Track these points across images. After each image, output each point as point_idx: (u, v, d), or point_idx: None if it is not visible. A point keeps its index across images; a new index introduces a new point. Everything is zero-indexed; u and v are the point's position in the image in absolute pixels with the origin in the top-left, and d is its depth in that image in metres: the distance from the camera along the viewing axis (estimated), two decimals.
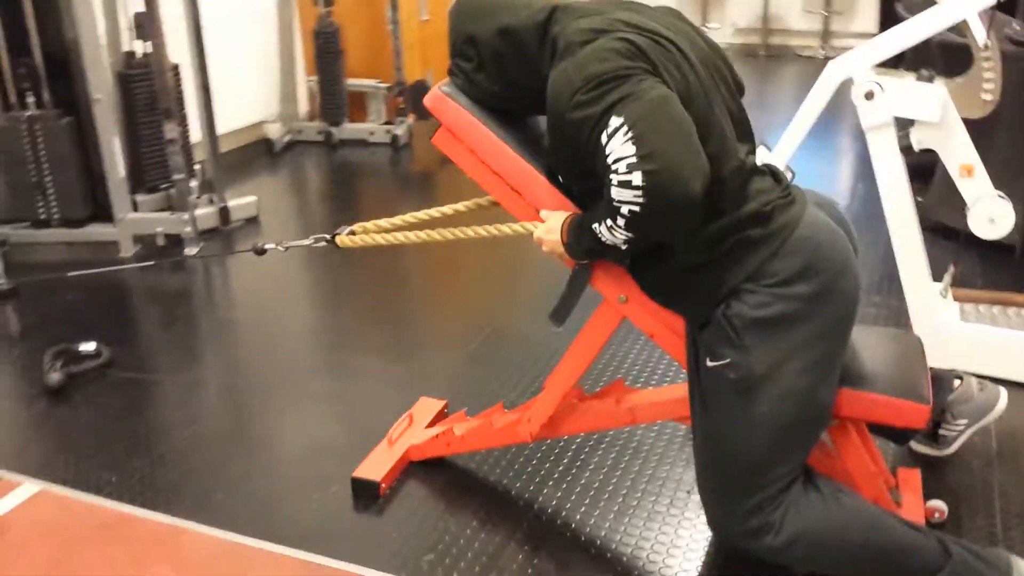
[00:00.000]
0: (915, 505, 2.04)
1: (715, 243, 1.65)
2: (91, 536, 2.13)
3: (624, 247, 1.63)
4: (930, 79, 2.51)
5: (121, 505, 2.23)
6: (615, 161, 1.51)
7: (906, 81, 2.51)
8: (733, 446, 1.68)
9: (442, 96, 1.87)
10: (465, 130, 1.86)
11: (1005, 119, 3.35)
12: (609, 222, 1.58)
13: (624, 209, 1.53)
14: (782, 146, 2.70)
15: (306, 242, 2.18)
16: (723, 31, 8.75)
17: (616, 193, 1.52)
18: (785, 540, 1.66)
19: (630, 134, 1.49)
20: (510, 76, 1.79)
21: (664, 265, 1.73)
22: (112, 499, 2.26)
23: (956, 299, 2.84)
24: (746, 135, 1.76)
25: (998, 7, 4.23)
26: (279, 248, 2.23)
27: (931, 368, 2.13)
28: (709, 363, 1.69)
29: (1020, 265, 3.43)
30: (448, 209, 2.14)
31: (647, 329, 1.89)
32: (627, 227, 1.56)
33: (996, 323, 2.71)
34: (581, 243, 1.71)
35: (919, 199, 3.93)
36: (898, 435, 2.10)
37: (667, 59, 1.60)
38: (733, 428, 1.67)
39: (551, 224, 1.77)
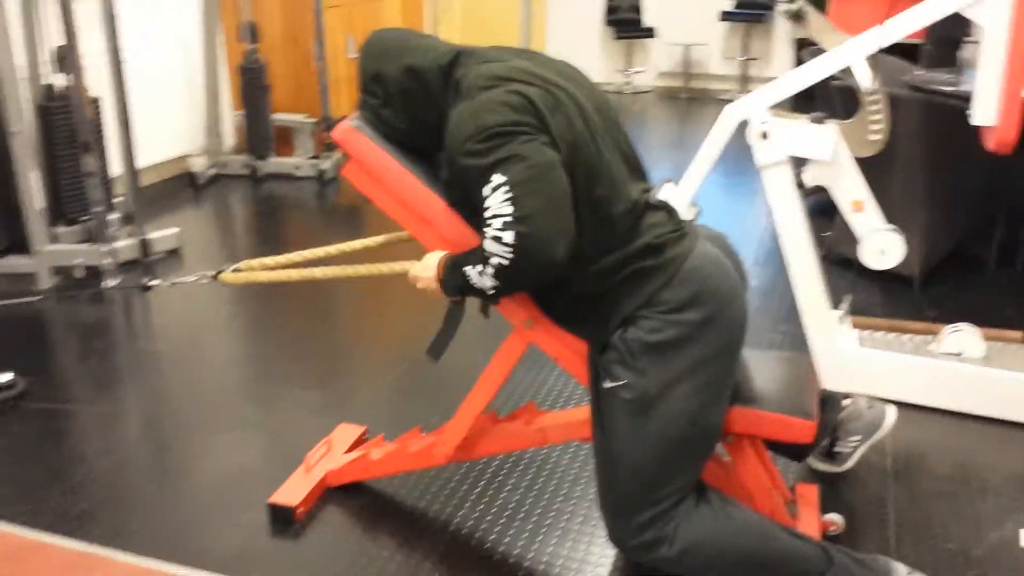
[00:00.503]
0: (812, 519, 2.15)
1: (610, 274, 1.75)
2: (4, 562, 2.11)
3: (491, 292, 1.74)
4: (821, 120, 2.67)
5: (32, 532, 2.22)
6: (492, 216, 1.64)
7: (799, 122, 2.67)
8: (628, 463, 1.77)
9: (350, 129, 1.94)
10: (372, 162, 1.94)
11: (902, 158, 3.57)
12: (480, 267, 1.71)
13: (493, 260, 1.66)
14: (686, 183, 2.84)
15: (191, 278, 2.26)
16: (647, 74, 9.04)
17: (489, 245, 1.65)
18: (678, 551, 1.75)
19: (509, 194, 1.62)
20: (414, 113, 1.87)
21: (565, 293, 1.82)
22: (26, 527, 2.24)
23: (854, 326, 3.00)
24: (639, 173, 1.87)
25: (901, 54, 4.51)
26: (164, 284, 2.30)
27: (823, 389, 2.27)
28: (607, 384, 1.79)
29: (919, 296, 3.62)
30: (333, 249, 2.22)
31: (552, 352, 1.97)
32: (495, 275, 1.69)
33: (891, 348, 2.87)
34: (452, 282, 1.81)
35: (825, 234, 4.15)
36: (794, 452, 2.22)
37: (556, 109, 1.70)
38: (628, 446, 1.76)
39: (427, 262, 1.88)
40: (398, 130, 1.92)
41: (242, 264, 2.20)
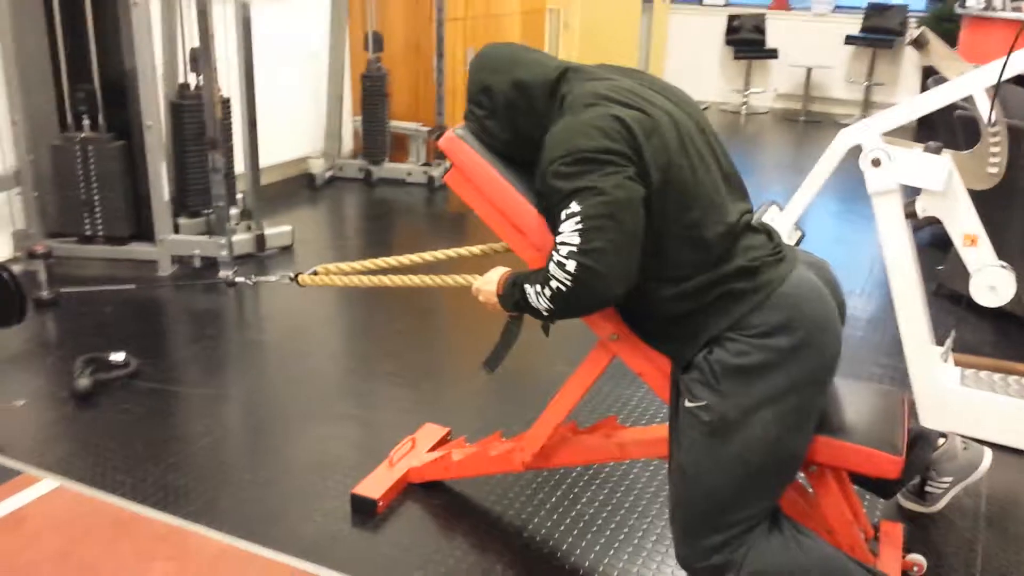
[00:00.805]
0: (893, 558, 2.08)
1: (701, 294, 1.74)
2: (101, 531, 2.25)
3: (545, 313, 1.79)
4: (937, 150, 2.59)
5: (132, 504, 2.36)
6: (561, 243, 1.68)
7: (913, 151, 2.60)
8: (702, 485, 1.75)
9: (455, 138, 1.99)
10: (474, 171, 1.98)
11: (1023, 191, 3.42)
12: (539, 287, 1.76)
13: (553, 283, 1.71)
14: (791, 206, 2.79)
15: (273, 278, 2.42)
16: (766, 96, 8.90)
17: (552, 268, 1.70)
18: None
19: (581, 225, 1.66)
20: (519, 126, 1.91)
21: (654, 309, 1.82)
22: (125, 499, 2.38)
23: (957, 364, 2.89)
24: (739, 194, 1.86)
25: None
26: (248, 281, 2.44)
27: (918, 426, 2.20)
28: (687, 403, 1.77)
29: None
30: (416, 257, 2.32)
31: (636, 368, 1.98)
32: (551, 299, 1.74)
33: (995, 389, 2.75)
34: (512, 296, 1.87)
35: (938, 268, 4.01)
36: (882, 488, 2.16)
37: (654, 132, 1.70)
38: (703, 468, 1.75)
39: (490, 276, 1.95)
40: (501, 141, 1.96)
41: (319, 268, 2.35)
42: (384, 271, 2.30)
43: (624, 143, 1.68)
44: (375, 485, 2.39)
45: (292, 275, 2.36)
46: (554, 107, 1.84)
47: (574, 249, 1.66)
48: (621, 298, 1.71)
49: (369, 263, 2.34)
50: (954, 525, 2.33)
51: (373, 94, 5.62)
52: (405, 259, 2.33)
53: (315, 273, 2.33)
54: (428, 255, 2.30)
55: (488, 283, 1.94)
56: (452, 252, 2.30)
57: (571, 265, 1.67)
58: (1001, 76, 2.48)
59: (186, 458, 2.59)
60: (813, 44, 8.51)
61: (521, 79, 1.88)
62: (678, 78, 9.13)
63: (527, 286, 1.80)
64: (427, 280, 2.26)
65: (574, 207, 1.66)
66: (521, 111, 1.89)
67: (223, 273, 2.48)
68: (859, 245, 4.71)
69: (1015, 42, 2.44)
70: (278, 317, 3.69)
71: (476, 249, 2.31)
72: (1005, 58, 2.47)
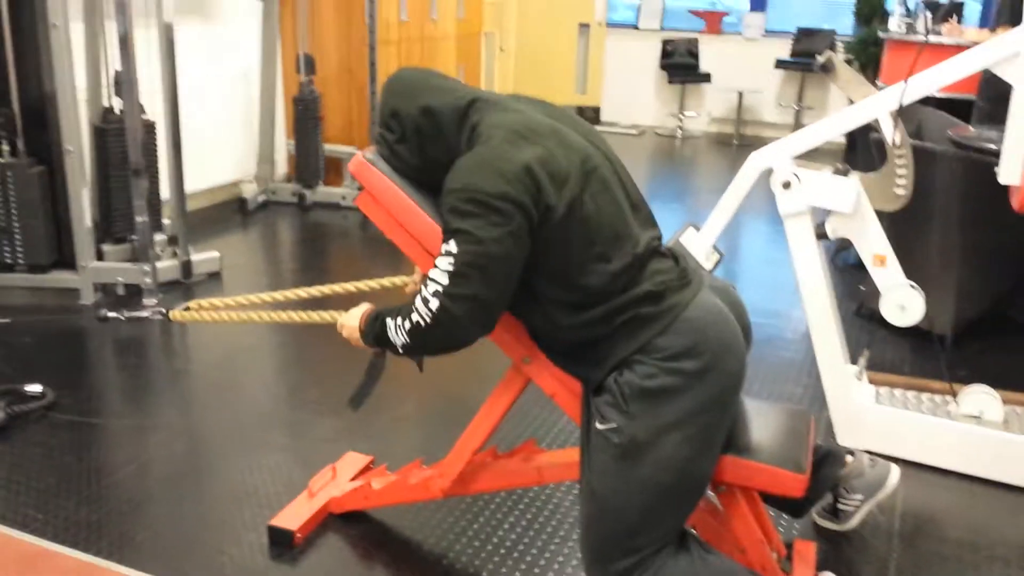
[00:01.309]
0: (805, 575, 2.12)
1: (608, 320, 1.76)
2: (6, 568, 2.19)
3: (400, 350, 1.85)
4: (845, 172, 2.66)
5: (40, 540, 2.29)
6: (431, 278, 1.73)
7: (822, 173, 2.66)
8: (612, 508, 1.76)
9: (364, 163, 2.00)
10: (384, 194, 1.99)
11: (940, 214, 3.52)
12: (400, 319, 1.81)
13: (414, 316, 1.77)
14: (708, 228, 2.84)
15: (144, 313, 2.48)
16: (699, 120, 9.05)
17: (418, 302, 1.76)
18: None
19: (451, 268, 1.70)
20: (427, 152, 1.92)
21: (562, 335, 1.84)
22: (34, 535, 2.32)
23: (872, 382, 2.95)
24: (647, 221, 1.89)
25: (950, 110, 4.46)
26: (120, 317, 2.49)
27: (826, 444, 2.25)
28: (598, 426, 1.79)
29: (951, 355, 3.55)
30: (290, 293, 2.39)
31: (549, 390, 1.99)
32: (408, 332, 1.80)
33: (908, 407, 2.82)
34: (373, 330, 1.91)
35: (861, 287, 4.10)
36: (793, 507, 2.19)
37: (557, 172, 1.72)
38: (613, 490, 1.76)
39: (354, 312, 1.99)
40: (411, 166, 1.96)
41: (192, 304, 2.40)
42: (258, 307, 2.37)
43: (523, 191, 1.69)
44: (293, 516, 2.36)
45: (164, 311, 2.41)
46: (463, 136, 1.85)
47: (439, 289, 1.71)
48: (471, 343, 1.78)
49: (255, 297, 2.40)
50: (868, 543, 2.38)
51: (306, 117, 5.59)
52: (303, 292, 2.38)
53: (187, 309, 2.37)
54: (327, 288, 2.38)
55: (351, 318, 1.98)
56: (351, 286, 2.39)
57: (434, 304, 1.72)
58: (902, 99, 2.56)
59: (101, 492, 2.53)
60: (745, 68, 8.68)
61: (429, 105, 1.88)
62: (614, 102, 9.28)
63: (388, 319, 1.85)
64: (295, 316, 2.32)
65: (452, 247, 1.70)
66: (429, 137, 1.90)
67: (103, 311, 2.51)
68: (786, 265, 4.75)
69: (914, 65, 2.52)
70: (205, 346, 3.63)
71: (374, 283, 2.39)
72: (905, 81, 2.55)
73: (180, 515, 2.44)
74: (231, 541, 2.33)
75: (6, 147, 3.81)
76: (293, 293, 2.37)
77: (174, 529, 2.38)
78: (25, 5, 3.74)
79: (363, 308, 1.98)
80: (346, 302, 2.23)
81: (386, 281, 2.37)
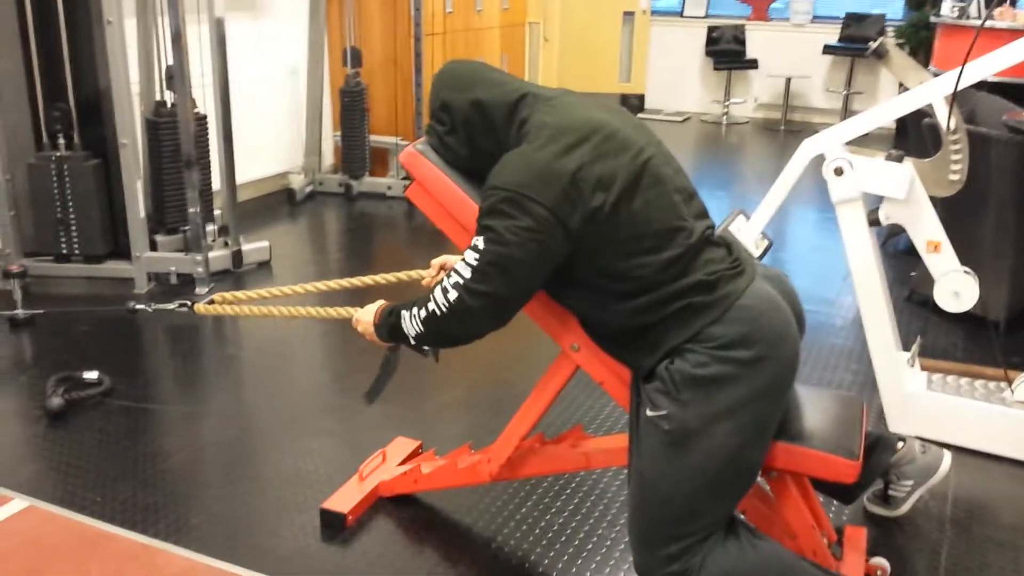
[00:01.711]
0: (856, 562, 2.10)
1: (660, 307, 1.76)
2: (69, 550, 2.25)
3: (413, 341, 1.90)
4: (899, 159, 2.62)
5: (101, 523, 2.36)
6: (455, 269, 1.77)
7: (875, 159, 2.63)
8: (661, 494, 1.76)
9: (415, 153, 2.02)
10: (434, 184, 2.01)
11: (995, 199, 3.46)
12: (416, 309, 1.85)
13: (431, 305, 1.81)
14: (758, 216, 2.82)
15: (171, 306, 2.53)
16: (746, 106, 8.96)
17: (437, 291, 1.80)
18: None
19: (476, 263, 1.74)
20: (476, 144, 1.93)
21: (612, 321, 1.84)
22: (94, 517, 2.38)
23: (924, 369, 2.91)
24: (698, 210, 1.88)
25: (1005, 94, 4.37)
26: (148, 309, 2.54)
27: (877, 430, 2.22)
28: (648, 412, 1.79)
29: (1004, 341, 3.49)
30: (310, 286, 2.48)
31: (598, 377, 1.99)
32: (424, 320, 1.83)
33: (961, 394, 2.78)
34: (387, 323, 1.95)
35: (912, 273, 4.04)
36: (844, 494, 2.18)
37: (604, 173, 1.72)
38: (662, 477, 1.76)
39: (369, 308, 2.03)
40: (460, 157, 1.98)
41: (217, 296, 2.45)
42: (279, 300, 2.44)
43: (563, 201, 1.70)
44: (344, 499, 2.39)
45: (189, 303, 2.48)
46: (512, 130, 1.87)
47: (460, 282, 1.75)
48: (481, 338, 1.82)
49: (276, 291, 2.47)
50: (919, 528, 2.35)
51: (352, 109, 5.65)
52: (335, 284, 2.44)
53: (211, 302, 2.43)
54: (357, 280, 2.44)
55: (366, 313, 2.03)
56: (369, 279, 2.45)
57: (452, 295, 1.76)
58: (957, 84, 2.51)
59: (157, 476, 2.59)
60: (792, 54, 8.57)
61: (480, 99, 1.90)
62: (659, 90, 9.21)
63: (404, 311, 1.89)
64: (312, 312, 2.38)
65: (479, 243, 1.74)
66: (479, 130, 1.91)
67: (131, 303, 2.58)
68: (835, 253, 4.73)
69: (970, 50, 2.48)
70: (253, 332, 3.69)
71: (391, 277, 2.45)
72: (961, 66, 2.50)
73: (234, 499, 2.49)
74: (284, 524, 2.37)
75: (62, 141, 3.90)
76: (313, 286, 2.44)
77: (228, 512, 2.43)
78: (79, 3, 3.83)
79: (378, 304, 2.03)
80: (368, 295, 2.25)
81: (403, 275, 2.42)
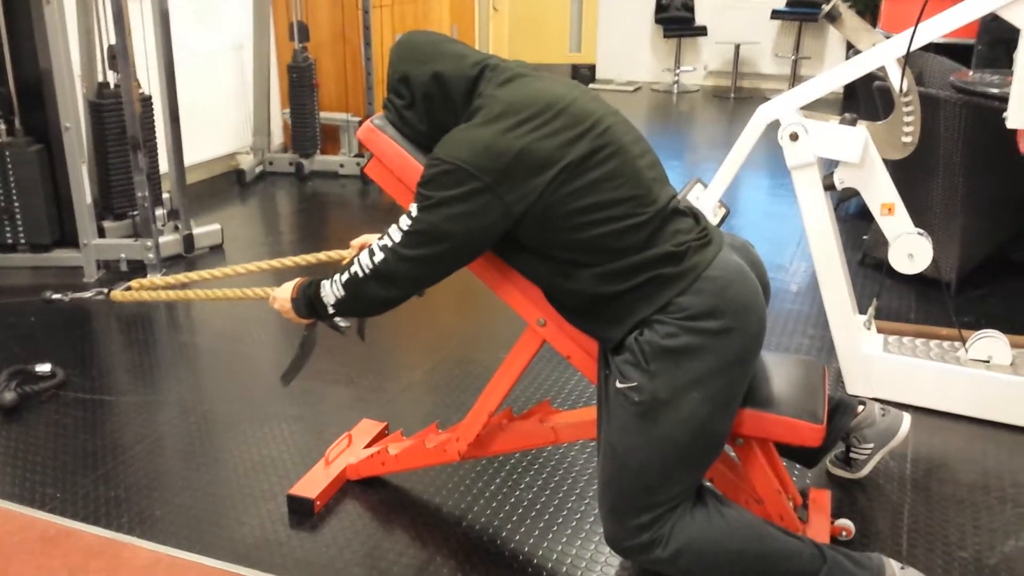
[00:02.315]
0: (822, 523, 2.14)
1: (627, 276, 1.75)
2: (30, 548, 2.20)
3: (332, 309, 1.91)
4: (853, 122, 2.64)
5: (62, 519, 2.31)
6: (386, 233, 1.80)
7: (829, 124, 2.65)
8: (632, 465, 1.77)
9: (373, 128, 1.98)
10: (393, 160, 1.98)
11: (944, 160, 3.51)
12: (337, 276, 1.88)
13: (353, 268, 1.83)
14: (715, 184, 2.83)
15: (88, 294, 2.51)
16: (696, 74, 8.98)
17: (362, 255, 1.83)
18: (672, 552, 1.76)
19: (407, 228, 1.77)
20: (435, 117, 1.90)
21: (580, 290, 1.83)
22: (55, 514, 2.33)
23: (880, 331, 2.96)
24: (664, 181, 1.87)
25: (950, 55, 4.42)
26: (64, 299, 2.52)
27: (837, 394, 2.26)
28: (618, 384, 1.79)
29: (955, 301, 3.56)
30: (228, 270, 2.43)
31: (564, 351, 1.99)
32: (344, 284, 1.86)
33: (917, 354, 2.82)
34: (304, 296, 1.97)
35: (864, 237, 4.10)
36: (806, 457, 2.21)
37: (559, 144, 1.71)
38: (633, 449, 1.77)
39: (286, 285, 2.03)
40: (419, 131, 1.95)
41: (133, 283, 2.42)
42: (197, 284, 2.43)
43: (502, 176, 1.70)
44: (311, 485, 2.37)
45: (106, 291, 2.44)
46: (471, 103, 1.85)
47: (389, 245, 1.78)
48: (390, 307, 1.86)
49: (195, 275, 2.45)
50: (881, 489, 2.40)
51: (301, 85, 5.54)
52: (253, 266, 2.41)
53: (128, 288, 2.40)
54: (276, 262, 2.43)
55: (283, 291, 2.03)
56: (300, 259, 2.44)
57: (379, 257, 1.78)
58: (910, 46, 2.53)
59: (118, 468, 2.55)
60: (741, 20, 8.60)
61: (440, 71, 1.87)
62: (609, 59, 9.19)
63: (324, 280, 1.91)
64: (229, 293, 2.34)
65: (413, 209, 1.76)
66: (438, 103, 1.89)
67: (47, 293, 2.51)
68: (789, 219, 4.79)
69: (922, 12, 2.49)
70: (210, 318, 3.63)
71: (311, 258, 2.42)
72: (913, 28, 2.52)
73: (198, 488, 2.46)
74: (250, 512, 2.35)
75: (3, 126, 3.78)
76: (232, 270, 2.40)
77: (193, 502, 2.39)
78: None
79: (295, 281, 2.02)
80: (289, 276, 2.23)
81: (322, 255, 2.39)
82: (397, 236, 1.77)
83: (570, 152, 1.72)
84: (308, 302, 1.96)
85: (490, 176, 1.69)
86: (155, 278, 2.43)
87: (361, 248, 2.27)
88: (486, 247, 1.80)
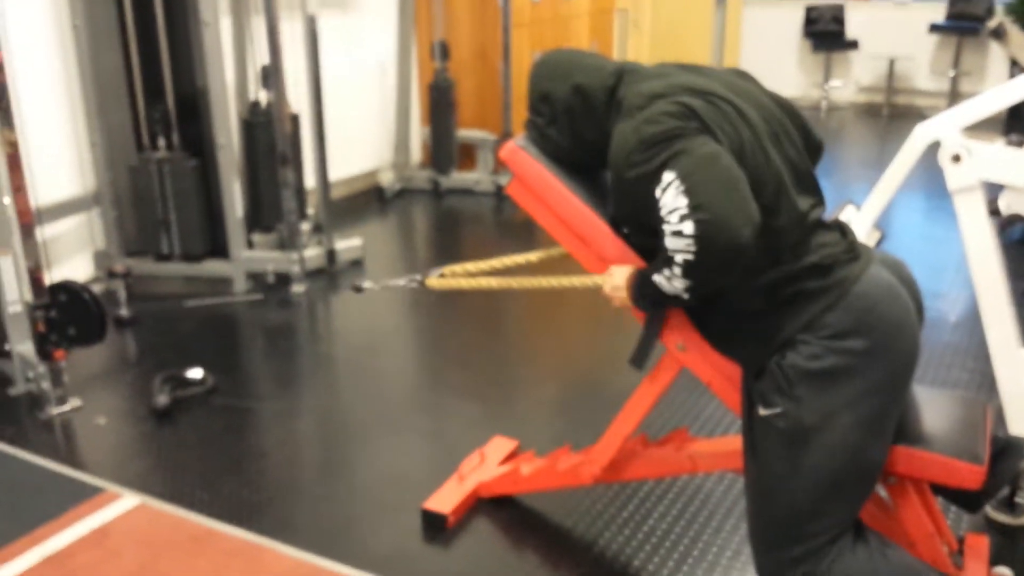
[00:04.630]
0: (979, 570, 1.98)
1: (773, 291, 1.69)
2: (179, 547, 2.30)
3: (686, 295, 1.69)
4: (1020, 144, 2.47)
5: (209, 520, 2.39)
6: (668, 213, 1.61)
7: (995, 145, 2.48)
8: (780, 495, 1.70)
9: (516, 148, 1.98)
10: (535, 181, 1.97)
11: None
12: (667, 272, 1.66)
13: (678, 258, 1.62)
14: (869, 206, 2.70)
15: (400, 282, 2.34)
16: (846, 89, 8.67)
17: (670, 243, 1.62)
18: None
19: (682, 187, 1.59)
20: (578, 132, 1.89)
21: (724, 311, 1.78)
22: (202, 514, 2.42)
23: None
24: (810, 190, 1.79)
25: None
26: (375, 287, 2.41)
27: (1006, 435, 2.10)
28: (761, 411, 1.72)
29: None
30: (533, 257, 2.24)
31: (704, 377, 1.93)
32: (684, 275, 1.64)
33: None
34: (645, 295, 1.79)
35: None
36: (967, 501, 2.05)
37: (720, 117, 1.68)
38: (781, 477, 1.69)
39: (616, 281, 1.86)
40: (561, 148, 1.95)
41: (446, 270, 2.27)
42: (509, 272, 2.23)
43: (694, 120, 1.66)
44: (445, 500, 2.38)
45: (420, 278, 2.31)
46: (612, 111, 1.84)
47: (684, 211, 1.58)
48: (752, 242, 1.58)
49: (493, 263, 2.26)
50: None
51: (440, 104, 5.64)
52: (521, 259, 2.25)
53: (442, 275, 2.29)
54: (543, 254, 2.24)
55: (617, 289, 1.86)
56: (543, 253, 2.24)
57: (687, 227, 1.58)
58: None
59: (260, 473, 2.63)
60: (895, 34, 8.24)
61: (580, 84, 1.87)
62: (754, 74, 8.93)
63: (655, 277, 1.71)
64: (552, 282, 2.14)
65: (667, 176, 1.61)
66: (580, 116, 1.89)
67: (356, 282, 2.51)
68: (947, 243, 4.52)
69: None
70: (348, 330, 3.72)
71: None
72: None
73: (335, 497, 2.50)
74: (385, 524, 2.37)
75: (162, 141, 3.99)
76: (535, 256, 2.24)
77: (330, 510, 2.44)
78: (177, 4, 3.90)
79: (624, 273, 1.85)
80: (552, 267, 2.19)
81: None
82: (681, 201, 1.59)
83: (735, 126, 1.69)
84: (653, 301, 1.79)
85: (685, 124, 1.65)
86: (468, 265, 2.28)
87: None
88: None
